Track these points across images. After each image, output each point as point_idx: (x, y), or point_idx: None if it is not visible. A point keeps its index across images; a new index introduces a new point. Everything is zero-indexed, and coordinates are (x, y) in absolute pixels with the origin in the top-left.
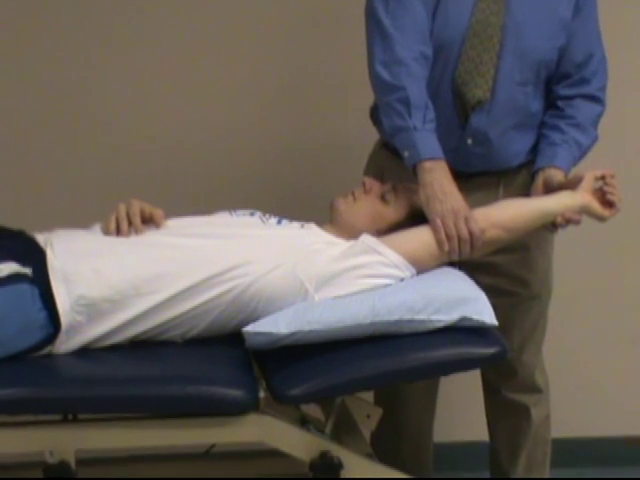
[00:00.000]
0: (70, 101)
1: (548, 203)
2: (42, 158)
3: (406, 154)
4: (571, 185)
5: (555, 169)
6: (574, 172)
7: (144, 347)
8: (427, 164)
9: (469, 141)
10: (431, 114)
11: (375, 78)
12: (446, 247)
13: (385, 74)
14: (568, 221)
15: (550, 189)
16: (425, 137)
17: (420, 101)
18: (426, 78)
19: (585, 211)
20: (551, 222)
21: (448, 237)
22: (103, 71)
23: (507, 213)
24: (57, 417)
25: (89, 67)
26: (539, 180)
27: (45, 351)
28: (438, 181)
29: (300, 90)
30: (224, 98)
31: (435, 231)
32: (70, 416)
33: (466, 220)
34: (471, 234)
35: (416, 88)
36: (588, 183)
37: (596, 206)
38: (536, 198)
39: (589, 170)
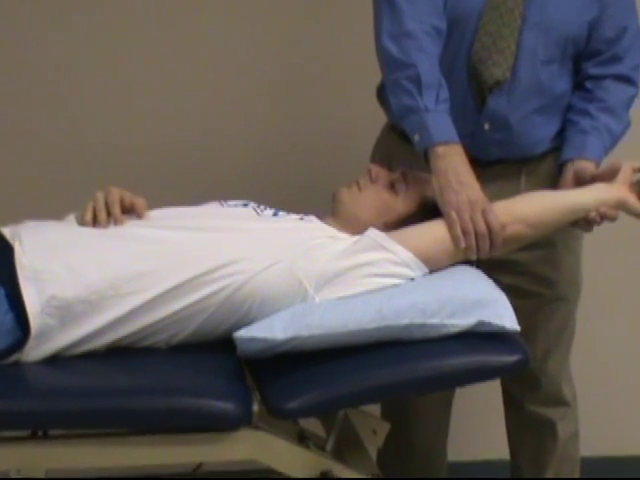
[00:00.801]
0: (52, 95)
1: (580, 197)
2: (14, 149)
3: (417, 138)
4: (606, 177)
5: (586, 161)
6: (608, 162)
7: (123, 354)
8: (440, 149)
9: (486, 126)
10: (445, 93)
11: (382, 53)
12: (462, 244)
13: (393, 48)
14: (603, 217)
15: (582, 183)
16: (438, 118)
17: (432, 79)
18: (439, 54)
19: (621, 207)
20: (583, 218)
21: (464, 232)
22: (90, 64)
23: (532, 207)
24: (25, 433)
25: (76, 61)
26: (568, 173)
27: (12, 359)
28: (453, 168)
29: (299, 69)
30: (216, 83)
31: (450, 226)
32: (40, 432)
33: (484, 213)
34: (490, 229)
35: (428, 64)
36: (626, 175)
37: (634, 201)
38: (566, 191)
39: (626, 161)
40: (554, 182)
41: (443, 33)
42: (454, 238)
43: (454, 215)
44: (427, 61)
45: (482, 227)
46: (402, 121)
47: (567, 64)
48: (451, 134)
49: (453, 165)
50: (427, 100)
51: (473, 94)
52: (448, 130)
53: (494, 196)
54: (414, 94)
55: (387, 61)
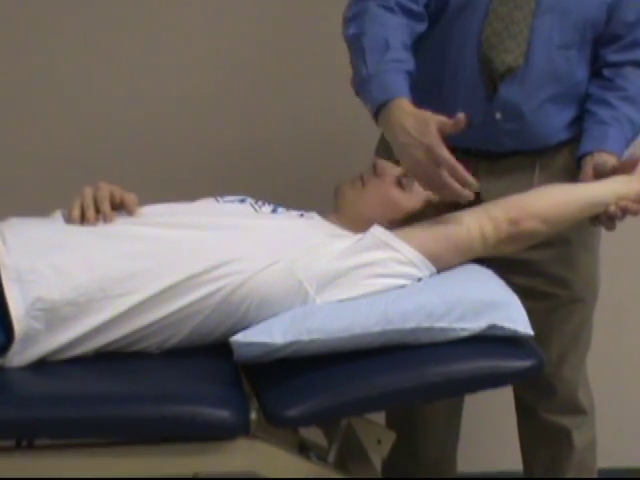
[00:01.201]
0: (36, 81)
1: (598, 190)
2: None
3: (369, 108)
4: (627, 169)
5: (606, 154)
6: (630, 153)
7: (113, 359)
8: (381, 116)
9: (498, 116)
10: (395, 54)
11: (345, 40)
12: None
13: (351, 28)
14: (624, 211)
15: (602, 178)
16: (381, 79)
17: (377, 42)
18: (405, 28)
19: None
20: (604, 213)
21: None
22: (76, 49)
23: (547, 202)
24: (9, 443)
25: (61, 48)
26: (588, 167)
27: None
28: (392, 131)
29: (299, 57)
30: (211, 69)
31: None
32: (25, 442)
33: (435, 159)
34: (449, 168)
35: (376, 30)
36: None
37: None
38: (583, 184)
39: None
40: (570, 175)
41: (415, 14)
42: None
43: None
44: (376, 28)
45: (438, 179)
46: (360, 98)
47: (585, 50)
48: (393, 89)
49: (392, 128)
50: (370, 65)
51: (484, 82)
52: (390, 85)
53: (506, 190)
54: (361, 65)
55: (347, 45)
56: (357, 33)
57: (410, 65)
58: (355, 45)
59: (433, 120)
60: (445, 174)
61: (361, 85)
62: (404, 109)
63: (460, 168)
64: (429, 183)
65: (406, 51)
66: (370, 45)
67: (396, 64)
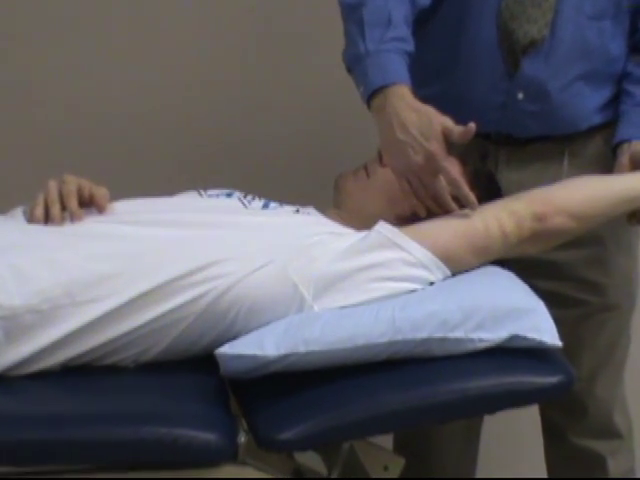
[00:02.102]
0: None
1: (635, 183)
2: None
3: (361, 90)
4: None
5: None
6: None
7: (83, 375)
8: (376, 100)
9: (520, 95)
10: (396, 32)
11: (339, 6)
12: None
13: None
14: None
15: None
16: (380, 60)
17: (378, 16)
18: (407, 1)
19: None
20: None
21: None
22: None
23: (577, 195)
24: None
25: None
26: (624, 157)
27: None
28: (388, 123)
29: (297, 37)
30: (198, 57)
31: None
32: None
33: (435, 169)
34: (451, 183)
35: (379, 1)
36: None
37: None
38: (617, 176)
39: None
40: (603, 165)
41: None
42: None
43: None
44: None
45: (434, 189)
46: (352, 76)
47: (622, 21)
48: (392, 74)
49: (388, 118)
50: (369, 41)
51: (504, 57)
52: (389, 70)
53: (530, 181)
54: (357, 39)
55: (342, 12)
56: (355, 2)
57: (411, 45)
58: (352, 15)
59: (438, 121)
60: (442, 187)
61: (356, 61)
62: (404, 98)
63: (464, 185)
64: (418, 191)
65: (408, 28)
66: (370, 18)
67: (397, 43)
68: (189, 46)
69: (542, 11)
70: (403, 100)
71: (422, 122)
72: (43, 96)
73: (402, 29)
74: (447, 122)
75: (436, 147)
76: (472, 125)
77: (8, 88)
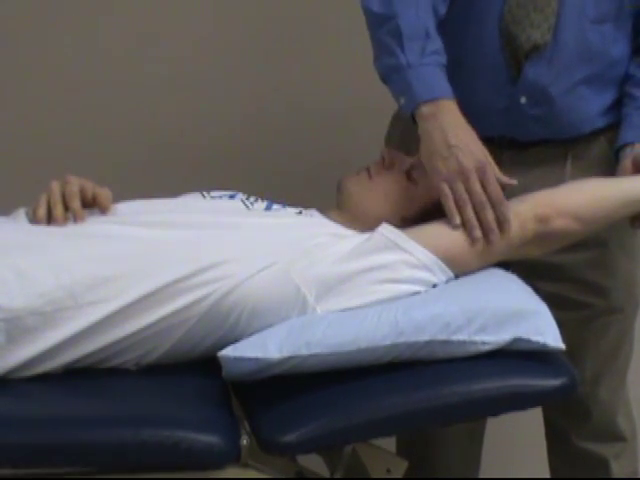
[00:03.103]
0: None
1: (638, 186)
2: None
3: (402, 101)
4: None
5: None
6: None
7: (85, 377)
8: (426, 109)
9: (523, 100)
10: (434, 45)
11: (365, 13)
12: (456, 219)
13: (374, 3)
14: None
15: None
16: (424, 73)
17: (416, 29)
18: (431, 3)
19: None
20: None
21: (458, 205)
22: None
23: (581, 197)
24: None
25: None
26: (627, 160)
27: None
28: (441, 129)
29: (300, 36)
30: (200, 56)
31: (442, 200)
32: None
33: (483, 179)
34: (491, 199)
35: (412, 14)
36: None
37: None
38: (621, 179)
39: None
40: (607, 167)
41: None
42: (447, 213)
43: (445, 188)
44: (410, 9)
45: (478, 197)
46: (388, 85)
47: (624, 24)
48: (439, 89)
49: (440, 126)
50: (409, 54)
51: (507, 62)
52: (435, 85)
53: (535, 184)
54: (395, 50)
55: (369, 20)
56: (387, 13)
57: (445, 57)
58: (385, 25)
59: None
60: (484, 200)
61: (394, 72)
62: (458, 116)
63: (507, 206)
64: (461, 198)
65: (440, 38)
66: (408, 30)
67: (437, 57)
68: (194, 48)
69: (545, 15)
70: (458, 117)
71: (473, 138)
72: (46, 96)
73: (438, 42)
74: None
75: (489, 160)
76: (514, 181)
77: (9, 88)
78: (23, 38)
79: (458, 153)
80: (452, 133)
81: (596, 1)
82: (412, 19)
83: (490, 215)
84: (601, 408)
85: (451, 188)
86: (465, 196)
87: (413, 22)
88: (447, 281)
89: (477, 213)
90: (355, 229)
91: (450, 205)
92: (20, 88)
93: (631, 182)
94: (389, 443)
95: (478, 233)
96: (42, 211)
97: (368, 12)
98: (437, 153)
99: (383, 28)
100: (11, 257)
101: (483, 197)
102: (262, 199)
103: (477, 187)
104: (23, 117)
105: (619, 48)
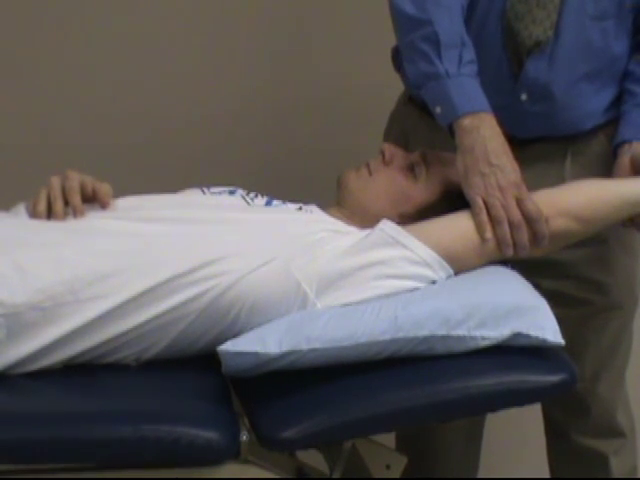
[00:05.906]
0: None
1: (638, 186)
2: None
3: (438, 110)
4: None
5: None
6: None
7: (84, 373)
8: (467, 121)
9: (524, 97)
10: (469, 53)
11: (394, 11)
12: (487, 234)
13: (406, 4)
14: None
15: None
16: (463, 84)
17: (453, 37)
18: (462, 7)
19: None
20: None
21: (495, 221)
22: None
23: (581, 198)
24: None
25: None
26: (625, 158)
27: None
28: (482, 145)
29: (300, 31)
30: (197, 43)
31: (475, 213)
32: None
33: (520, 200)
34: (529, 218)
35: (447, 20)
36: None
37: None
38: (622, 180)
39: None
40: (606, 164)
41: None
42: (479, 226)
43: (480, 201)
44: (446, 16)
45: (516, 215)
46: (420, 91)
47: (624, 21)
48: (480, 102)
49: (482, 141)
50: (448, 63)
51: (508, 58)
52: (476, 97)
53: (534, 181)
54: (432, 57)
55: (400, 21)
56: (422, 17)
57: (477, 65)
58: (420, 30)
59: None
60: (521, 218)
61: (430, 79)
62: (498, 132)
63: (543, 221)
64: (498, 213)
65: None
66: (446, 39)
67: (473, 67)
68: (193, 44)
69: (547, 12)
70: (497, 132)
71: (510, 158)
72: (46, 92)
73: (471, 49)
74: None
75: (520, 176)
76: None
77: (9, 86)
78: (23, 35)
79: (498, 172)
80: (494, 152)
81: None
82: (447, 25)
83: (526, 234)
84: (600, 404)
85: (486, 203)
86: (502, 212)
87: (448, 29)
88: (447, 277)
89: (511, 230)
90: (355, 225)
91: (483, 219)
92: (20, 84)
93: (628, 184)
94: (389, 439)
95: (510, 251)
96: (42, 206)
97: (400, 13)
98: (476, 168)
99: (417, 33)
100: (11, 252)
101: (520, 216)
102: (262, 195)
103: (513, 203)
104: (23, 113)
105: (620, 45)
